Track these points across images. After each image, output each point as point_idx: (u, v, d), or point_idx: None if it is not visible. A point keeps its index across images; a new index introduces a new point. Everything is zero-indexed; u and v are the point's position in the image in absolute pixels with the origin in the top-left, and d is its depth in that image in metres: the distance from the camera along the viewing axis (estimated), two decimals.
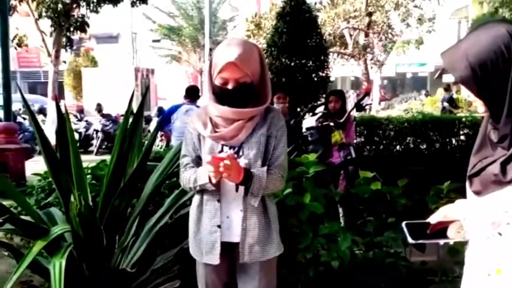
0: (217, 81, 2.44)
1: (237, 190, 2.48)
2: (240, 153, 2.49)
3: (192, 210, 2.64)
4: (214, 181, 2.40)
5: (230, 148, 2.51)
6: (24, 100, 3.46)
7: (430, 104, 24.93)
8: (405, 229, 1.80)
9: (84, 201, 2.73)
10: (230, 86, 2.42)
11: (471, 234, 1.72)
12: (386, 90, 33.07)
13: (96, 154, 14.19)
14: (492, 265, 1.66)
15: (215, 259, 2.52)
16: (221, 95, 2.46)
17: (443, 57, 1.70)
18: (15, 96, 10.96)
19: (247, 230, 2.49)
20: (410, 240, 1.78)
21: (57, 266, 2.65)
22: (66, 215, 3.24)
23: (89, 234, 2.95)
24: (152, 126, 15.31)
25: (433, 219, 1.80)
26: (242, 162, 2.46)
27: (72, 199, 2.77)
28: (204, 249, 2.56)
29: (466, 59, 1.61)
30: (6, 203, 3.26)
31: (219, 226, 2.50)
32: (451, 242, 1.82)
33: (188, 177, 2.56)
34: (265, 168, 2.47)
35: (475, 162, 1.73)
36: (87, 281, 3.15)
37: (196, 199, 2.62)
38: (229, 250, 2.55)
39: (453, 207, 1.81)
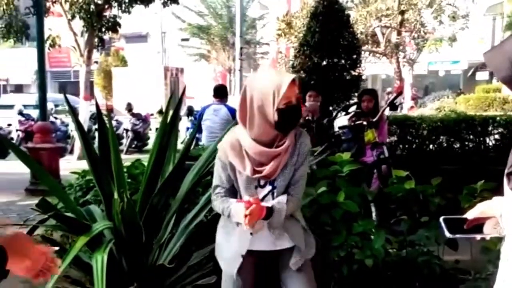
0: (282, 102, 2.44)
1: None
2: (275, 184, 2.57)
3: (219, 232, 2.76)
4: (251, 230, 2.49)
5: (265, 182, 2.58)
6: (67, 100, 3.57)
7: (464, 103, 24.52)
8: (442, 224, 1.83)
9: (126, 199, 2.82)
10: (294, 102, 2.49)
11: (507, 230, 1.75)
12: (418, 88, 32.57)
13: (126, 153, 14.31)
14: None
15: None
16: (288, 114, 2.47)
17: (486, 57, 1.72)
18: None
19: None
20: (447, 234, 1.81)
21: (99, 261, 2.74)
22: (106, 212, 3.33)
23: (129, 230, 3.04)
24: (181, 125, 15.37)
25: (470, 215, 1.83)
26: (276, 197, 2.56)
27: (115, 196, 2.86)
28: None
29: (509, 60, 1.63)
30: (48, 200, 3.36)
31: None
32: (487, 237, 1.85)
33: (222, 208, 2.60)
34: (285, 197, 2.54)
35: None
36: (126, 275, 3.24)
37: (223, 220, 2.73)
38: (260, 258, 2.67)
39: (490, 203, 1.83)
